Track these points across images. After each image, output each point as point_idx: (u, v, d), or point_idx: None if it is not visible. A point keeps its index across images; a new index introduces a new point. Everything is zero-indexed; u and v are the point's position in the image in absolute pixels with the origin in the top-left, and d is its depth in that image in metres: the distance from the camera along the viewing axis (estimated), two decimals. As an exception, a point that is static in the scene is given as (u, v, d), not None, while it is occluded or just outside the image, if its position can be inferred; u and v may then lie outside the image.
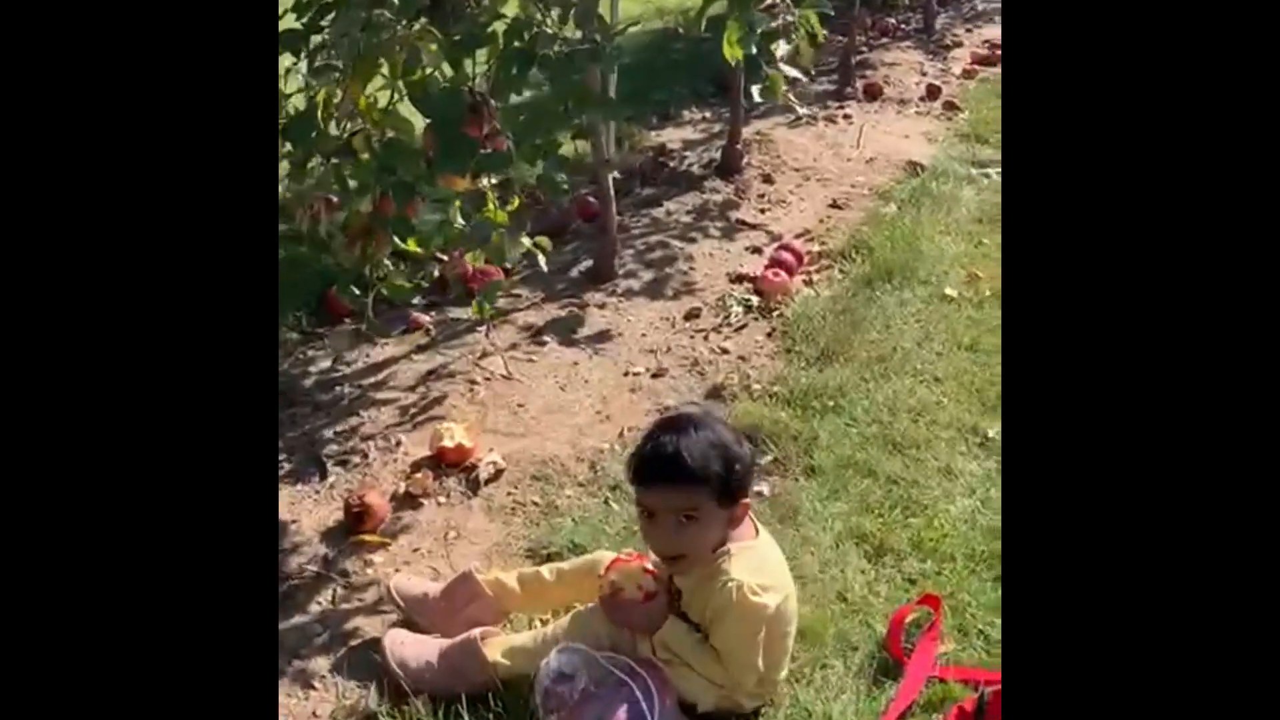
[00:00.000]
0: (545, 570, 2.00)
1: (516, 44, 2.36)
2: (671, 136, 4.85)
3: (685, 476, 1.66)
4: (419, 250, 2.84)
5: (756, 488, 2.43)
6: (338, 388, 2.83)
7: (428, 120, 2.32)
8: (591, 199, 3.72)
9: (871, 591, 2.11)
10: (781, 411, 2.74)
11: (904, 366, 2.96)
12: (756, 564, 1.76)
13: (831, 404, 2.77)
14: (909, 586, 2.12)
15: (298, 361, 2.99)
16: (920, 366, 2.96)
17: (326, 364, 2.96)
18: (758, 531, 1.83)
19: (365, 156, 2.45)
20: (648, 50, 6.13)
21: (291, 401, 2.77)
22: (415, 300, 3.16)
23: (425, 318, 3.18)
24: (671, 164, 4.45)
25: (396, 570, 2.18)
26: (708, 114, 5.17)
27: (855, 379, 2.89)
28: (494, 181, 2.55)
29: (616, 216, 3.62)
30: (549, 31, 2.31)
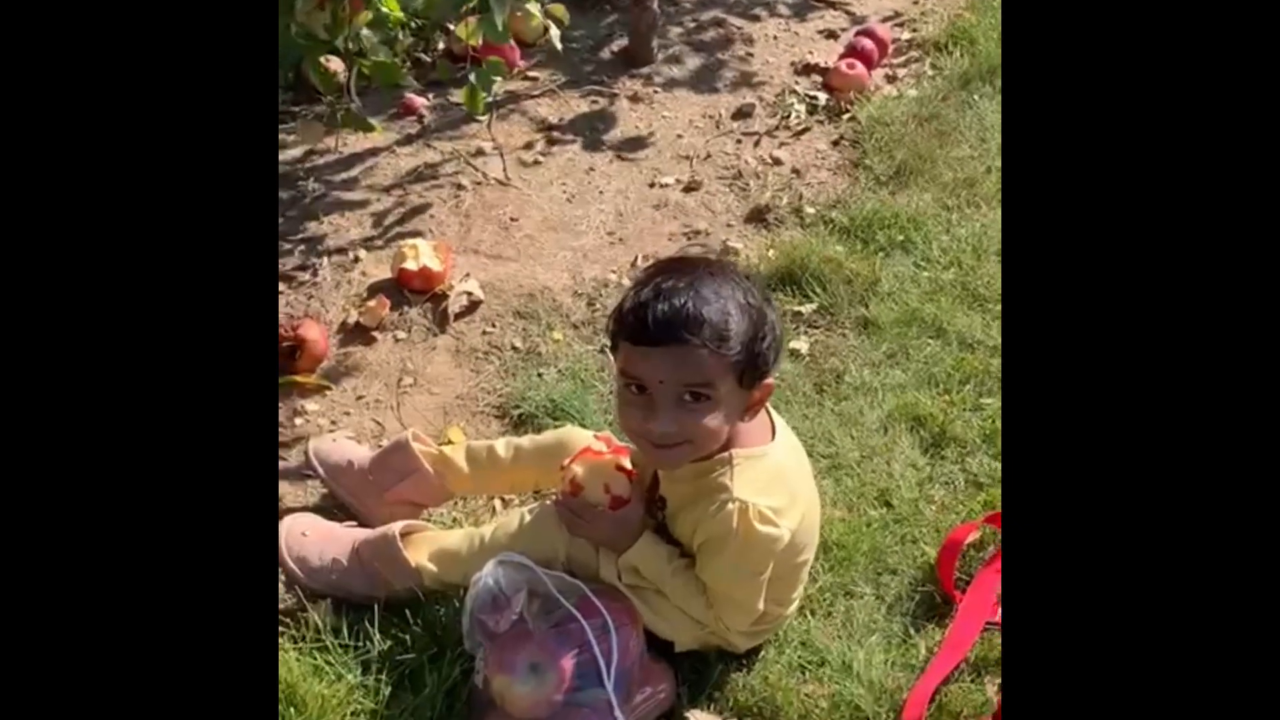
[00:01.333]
0: (501, 446, 1.56)
1: None
2: (746, -110, 4.03)
3: (704, 336, 1.19)
4: (400, 16, 2.28)
5: (794, 344, 1.93)
6: (302, 182, 2.34)
7: None
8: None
9: (923, 495, 1.65)
10: (837, 244, 2.20)
11: (999, 193, 2.36)
12: (768, 479, 1.30)
13: (901, 238, 2.21)
14: (973, 493, 1.65)
15: (263, 149, 2.50)
16: (1019, 195, 2.36)
17: (296, 152, 2.46)
18: (774, 432, 1.36)
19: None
20: None
21: (245, 198, 2.30)
22: (412, 80, 2.61)
23: (422, 101, 2.64)
24: (740, -77, 3.68)
25: (333, 424, 1.77)
26: None
27: (935, 207, 2.32)
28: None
29: (663, -15, 2.97)
30: None
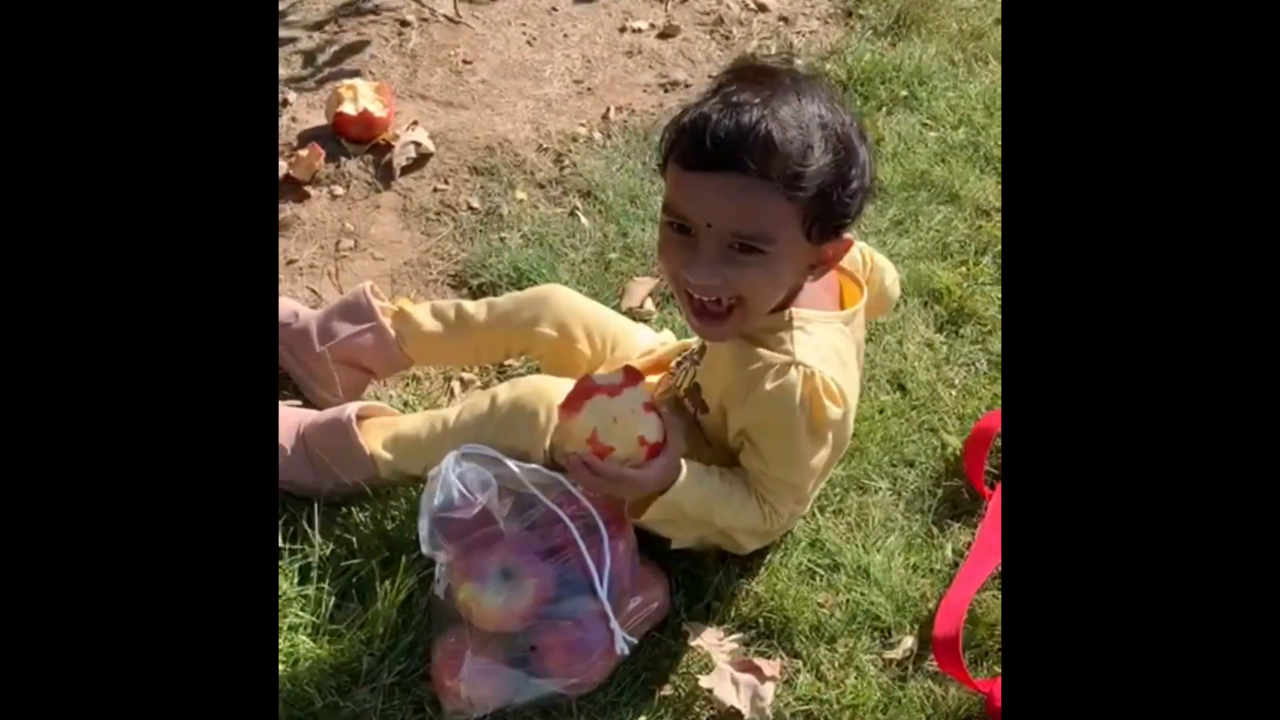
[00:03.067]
0: (470, 305, 1.33)
1: None
2: None
3: (773, 167, 0.93)
4: None
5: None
6: (218, 17, 2.01)
7: None
8: None
9: (941, 379, 1.46)
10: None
11: (1009, 48, 2.12)
12: (830, 348, 1.06)
13: (904, 94, 1.98)
14: (997, 376, 1.46)
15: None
16: (1031, 49, 2.13)
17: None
18: (842, 301, 1.14)
19: None
20: None
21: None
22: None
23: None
24: None
25: (259, 292, 1.51)
26: None
27: (940, 60, 2.08)
28: None
29: None
30: None
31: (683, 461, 1.06)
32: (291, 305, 1.39)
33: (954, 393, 1.43)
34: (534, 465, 1.13)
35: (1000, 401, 1.39)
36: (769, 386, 1.02)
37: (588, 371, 1.17)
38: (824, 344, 1.05)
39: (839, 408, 1.04)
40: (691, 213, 0.98)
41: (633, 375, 1.05)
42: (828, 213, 0.98)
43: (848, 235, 1.03)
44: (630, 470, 1.01)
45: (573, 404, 1.03)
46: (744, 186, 0.94)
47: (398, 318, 1.33)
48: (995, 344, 1.50)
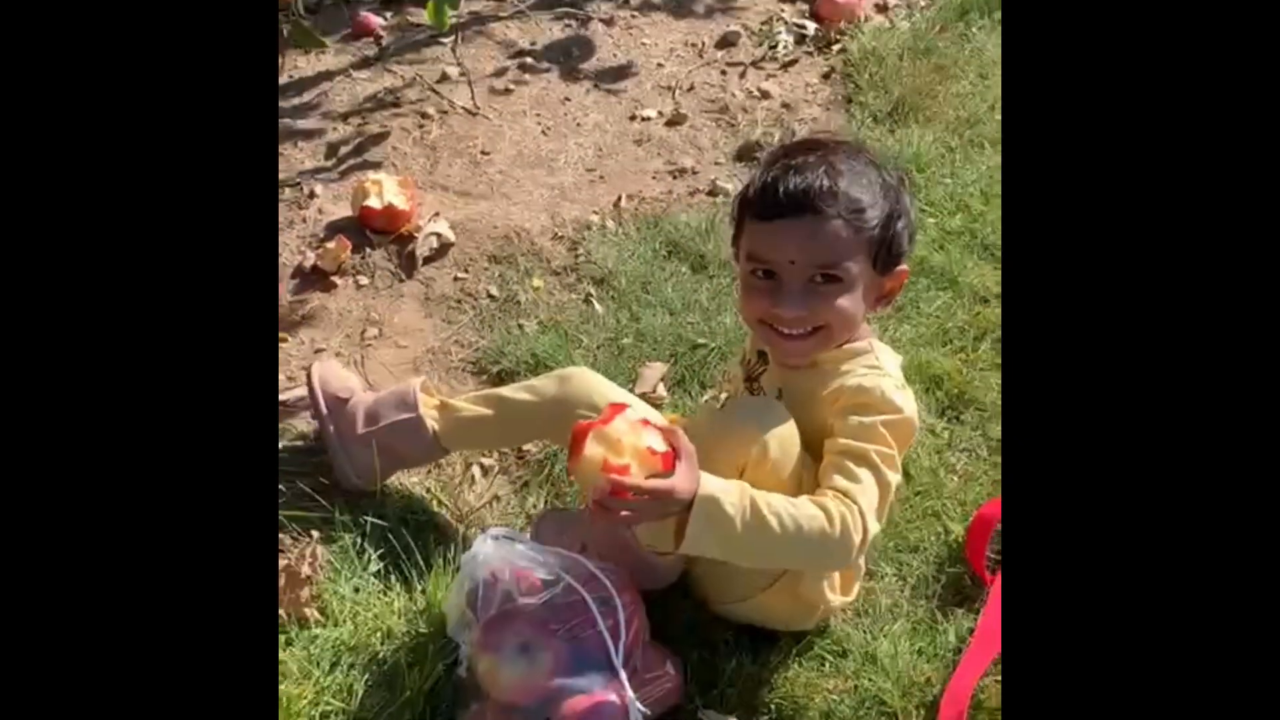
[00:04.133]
0: (506, 390, 1.41)
1: None
2: None
3: (837, 210, 1.12)
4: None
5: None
6: (247, 109, 2.11)
7: None
8: None
9: (943, 464, 1.52)
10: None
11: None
12: (900, 370, 1.24)
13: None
14: (998, 462, 1.52)
15: (201, 69, 2.25)
16: (1025, 136, 2.22)
17: (239, 75, 2.22)
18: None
19: None
20: None
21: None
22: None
23: (377, 20, 2.40)
24: None
25: (289, 380, 1.58)
26: None
27: (937, 148, 2.17)
28: None
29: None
30: None
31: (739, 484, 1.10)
32: (351, 383, 1.47)
33: (956, 479, 1.49)
34: (555, 549, 1.19)
35: (1000, 489, 1.45)
36: (867, 383, 1.16)
37: None
38: (894, 362, 1.23)
39: (914, 423, 1.18)
40: (775, 256, 1.14)
41: (616, 406, 1.11)
42: (888, 245, 1.15)
43: (904, 267, 1.20)
44: (655, 480, 1.05)
45: (576, 450, 1.08)
46: (818, 226, 1.12)
47: (441, 409, 1.40)
48: (995, 430, 1.57)
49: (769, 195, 1.14)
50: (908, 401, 1.17)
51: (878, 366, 1.18)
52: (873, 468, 1.11)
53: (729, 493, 1.07)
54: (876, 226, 1.14)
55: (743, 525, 1.06)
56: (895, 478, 1.15)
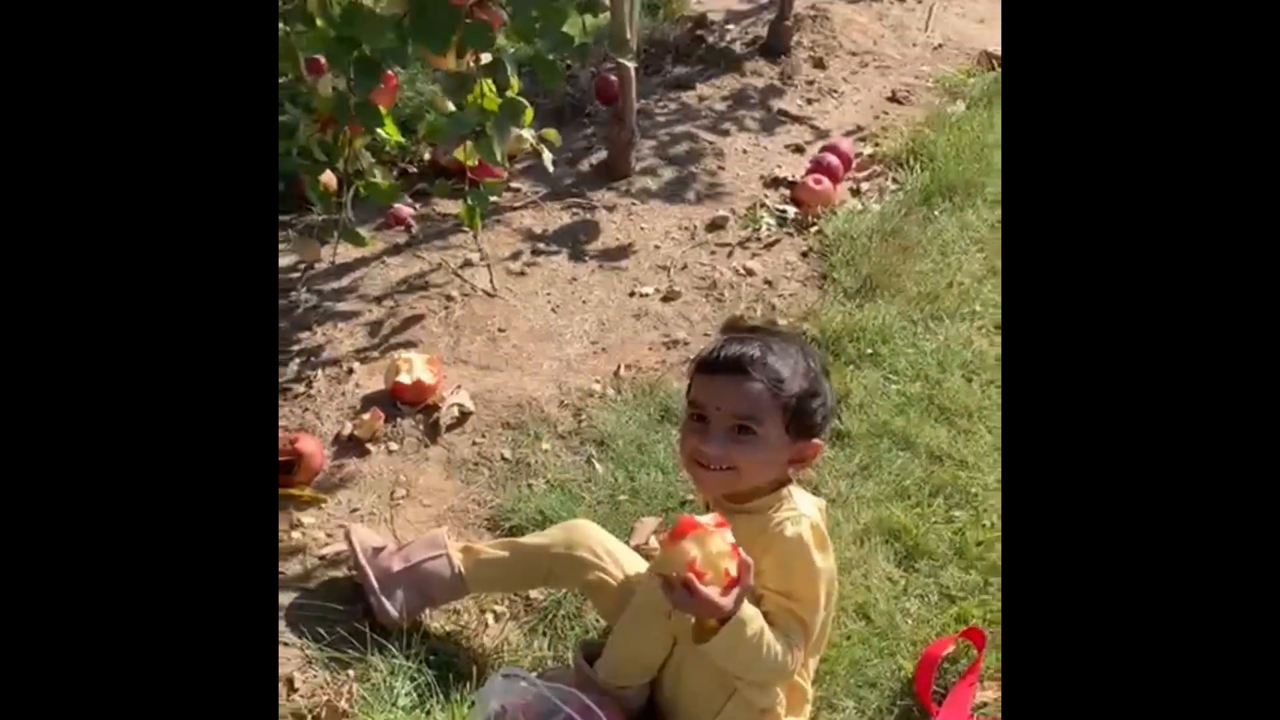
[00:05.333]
0: (524, 538, 1.68)
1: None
2: (714, 4, 4.25)
3: (760, 375, 1.37)
4: (400, 140, 2.40)
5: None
6: (294, 293, 2.42)
7: (400, -25, 1.85)
8: (613, 77, 3.20)
9: (899, 609, 1.73)
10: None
11: (960, 308, 2.50)
12: (816, 509, 1.45)
13: (870, 352, 2.33)
14: (946, 605, 1.73)
15: (254, 256, 2.57)
16: (979, 309, 2.50)
17: (289, 260, 2.54)
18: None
19: (320, 24, 1.98)
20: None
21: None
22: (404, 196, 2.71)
23: (408, 211, 2.74)
24: (710, 39, 3.89)
25: (328, 537, 1.82)
26: (759, -20, 4.54)
27: (901, 320, 2.44)
28: (486, 60, 2.07)
29: (639, 102, 3.13)
30: None
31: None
32: (384, 539, 1.71)
33: (910, 622, 1.70)
34: (555, 684, 1.40)
35: (948, 630, 1.66)
36: (788, 532, 1.37)
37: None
38: (810, 504, 1.44)
39: (824, 555, 1.39)
40: (707, 402, 1.39)
41: (723, 521, 1.32)
42: (801, 414, 1.38)
43: (818, 441, 1.42)
44: (714, 594, 1.27)
45: (678, 534, 1.29)
46: (744, 384, 1.37)
47: (465, 551, 1.64)
48: (945, 577, 1.78)
49: (712, 356, 1.42)
50: (822, 547, 1.39)
51: (795, 509, 1.40)
52: (800, 620, 1.38)
53: (754, 620, 1.33)
54: (793, 398, 1.37)
55: (749, 645, 1.32)
56: (819, 615, 1.39)
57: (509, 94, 2.11)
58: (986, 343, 2.39)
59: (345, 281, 2.49)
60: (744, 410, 1.37)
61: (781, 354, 1.41)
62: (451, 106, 2.16)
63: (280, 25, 1.99)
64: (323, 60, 2.06)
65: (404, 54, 1.95)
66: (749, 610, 1.32)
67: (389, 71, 2.09)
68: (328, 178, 2.35)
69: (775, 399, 1.37)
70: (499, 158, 2.06)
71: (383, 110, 2.10)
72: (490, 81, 2.05)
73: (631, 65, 2.68)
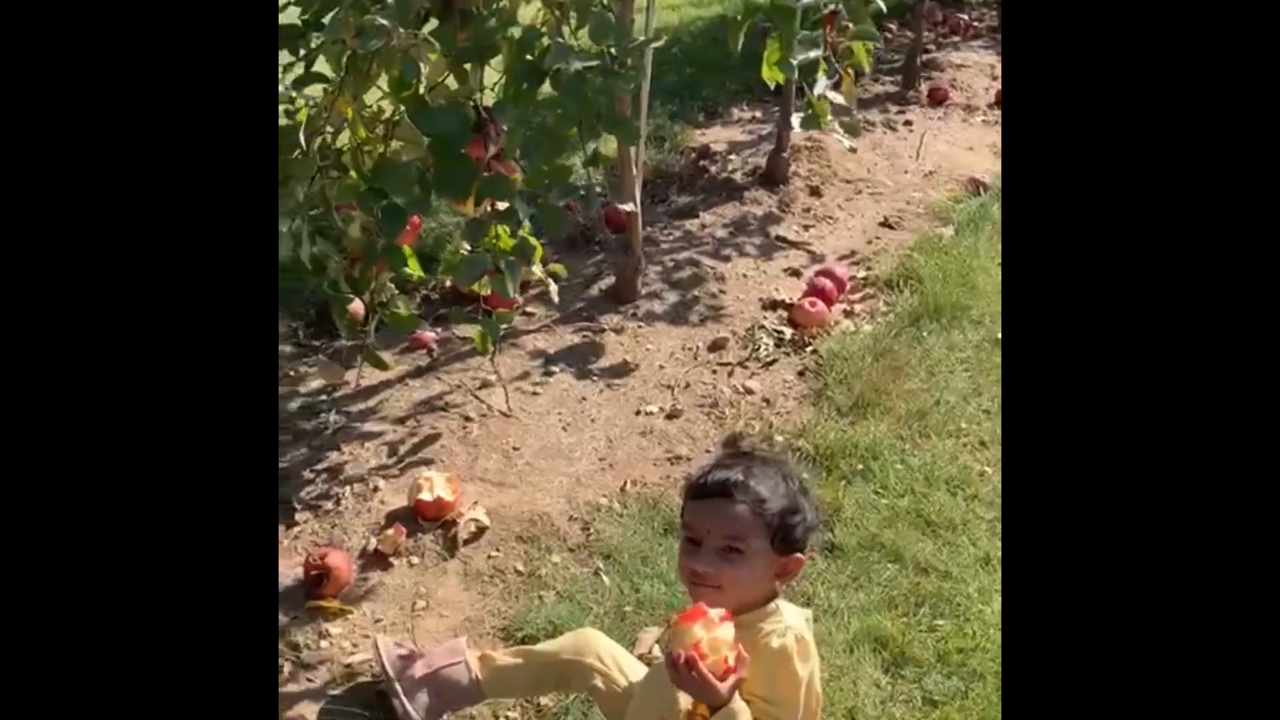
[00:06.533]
0: (537, 645, 1.83)
1: (527, 57, 2.10)
2: (717, 136, 4.55)
3: (744, 498, 1.49)
4: (421, 275, 2.62)
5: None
6: (323, 414, 2.60)
7: (427, 137, 2.08)
8: (621, 207, 3.44)
9: (885, 713, 1.84)
10: (804, 472, 2.46)
11: (946, 425, 2.66)
12: (802, 620, 1.56)
13: (861, 467, 2.48)
14: (929, 710, 1.85)
15: (288, 379, 2.77)
16: (964, 426, 2.66)
17: (318, 383, 2.73)
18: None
19: (353, 175, 2.21)
20: (703, 38, 5.81)
21: (271, 427, 2.54)
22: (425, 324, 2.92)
23: (430, 335, 2.94)
24: (713, 169, 4.16)
25: (354, 647, 1.95)
26: (759, 113, 4.84)
27: (890, 437, 2.60)
28: (503, 207, 2.29)
29: (646, 229, 3.36)
30: (565, 44, 2.04)
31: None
32: (409, 649, 1.85)
33: (895, 726, 1.82)
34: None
35: (931, 733, 1.77)
36: (774, 644, 1.49)
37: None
38: (796, 616, 1.56)
39: (805, 665, 1.49)
40: (698, 525, 1.51)
41: (729, 616, 1.45)
42: (784, 531, 1.50)
43: (800, 556, 1.54)
44: (713, 678, 1.40)
45: (688, 618, 1.42)
46: (729, 507, 1.49)
47: (482, 659, 1.78)
48: (929, 683, 1.90)
49: (700, 482, 1.55)
50: (804, 657, 1.50)
51: (781, 622, 1.52)
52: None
53: (743, 713, 1.44)
54: (775, 516, 1.50)
55: None
56: (798, 716, 1.51)
57: (521, 233, 2.32)
58: (970, 459, 2.54)
59: (371, 403, 2.67)
60: (731, 531, 1.50)
61: (763, 476, 1.53)
62: (468, 247, 2.38)
63: (316, 168, 2.21)
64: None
65: (428, 203, 2.17)
66: (739, 703, 1.44)
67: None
68: (355, 307, 2.56)
69: (759, 518, 1.50)
70: (511, 293, 2.26)
71: (406, 250, 2.31)
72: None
73: (633, 208, 2.89)
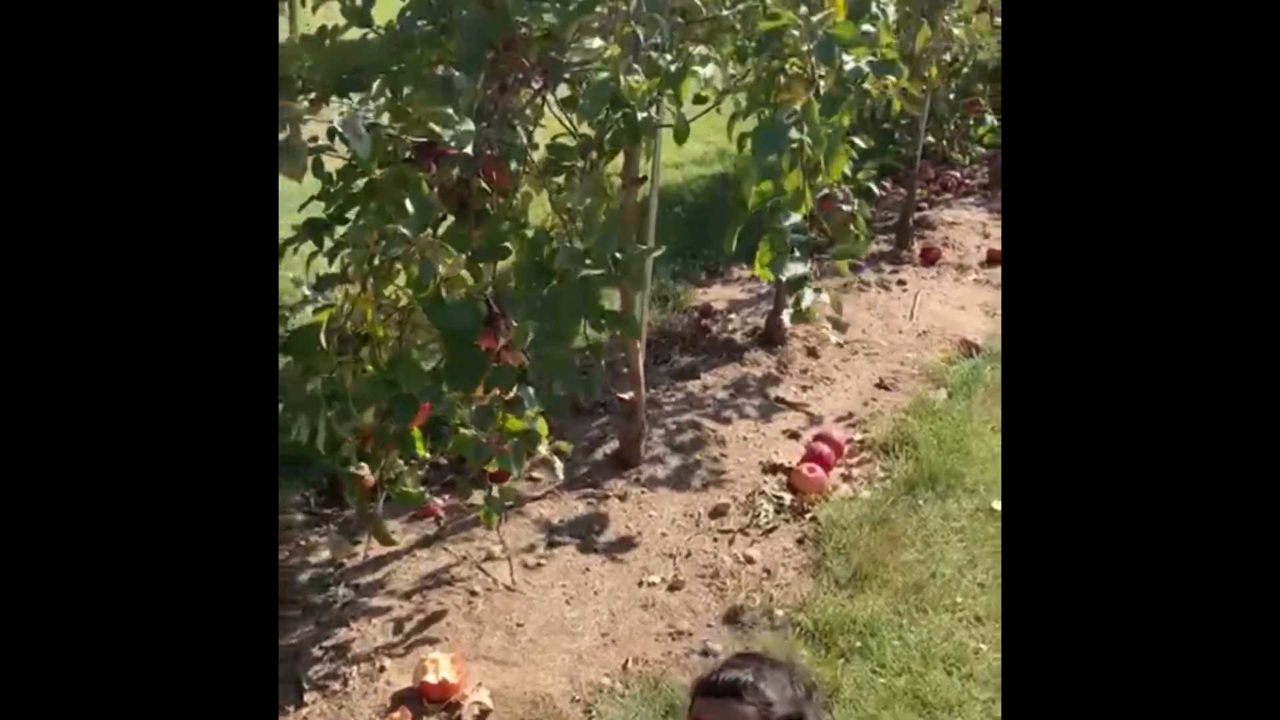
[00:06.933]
0: None
1: (536, 259, 2.26)
2: (718, 295, 4.72)
3: (752, 699, 1.56)
4: (427, 455, 2.72)
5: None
6: (332, 587, 2.67)
7: (440, 331, 2.21)
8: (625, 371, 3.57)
9: None
10: (804, 649, 2.51)
11: (942, 599, 2.71)
12: None
13: (859, 644, 2.53)
14: None
15: (298, 549, 2.84)
16: (960, 600, 2.71)
17: (327, 554, 2.81)
18: None
19: (370, 369, 2.34)
20: (705, 195, 6.06)
21: (282, 600, 2.61)
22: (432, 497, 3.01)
23: (438, 503, 3.02)
24: (714, 329, 4.31)
25: (357, 837, 1.98)
26: (757, 270, 5.03)
27: (888, 612, 2.65)
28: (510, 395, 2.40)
29: (649, 391, 3.48)
30: (572, 247, 2.19)
31: None
32: None
33: None
34: None
35: None
36: None
37: None
38: None
39: None
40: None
41: None
42: None
43: None
44: None
45: None
46: (738, 707, 1.56)
47: None
48: None
49: (712, 680, 1.62)
50: None
51: None
52: None
53: None
54: (780, 718, 1.58)
55: None
56: None
57: (529, 414, 2.43)
58: (966, 634, 2.58)
59: (379, 575, 2.74)
60: None
61: (771, 680, 1.61)
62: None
63: (336, 363, 2.34)
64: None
65: (439, 393, 2.29)
66: None
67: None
68: (366, 478, 2.66)
69: (768, 717, 1.58)
70: (517, 474, 2.35)
71: (415, 434, 2.42)
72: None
73: (632, 396, 3.01)
